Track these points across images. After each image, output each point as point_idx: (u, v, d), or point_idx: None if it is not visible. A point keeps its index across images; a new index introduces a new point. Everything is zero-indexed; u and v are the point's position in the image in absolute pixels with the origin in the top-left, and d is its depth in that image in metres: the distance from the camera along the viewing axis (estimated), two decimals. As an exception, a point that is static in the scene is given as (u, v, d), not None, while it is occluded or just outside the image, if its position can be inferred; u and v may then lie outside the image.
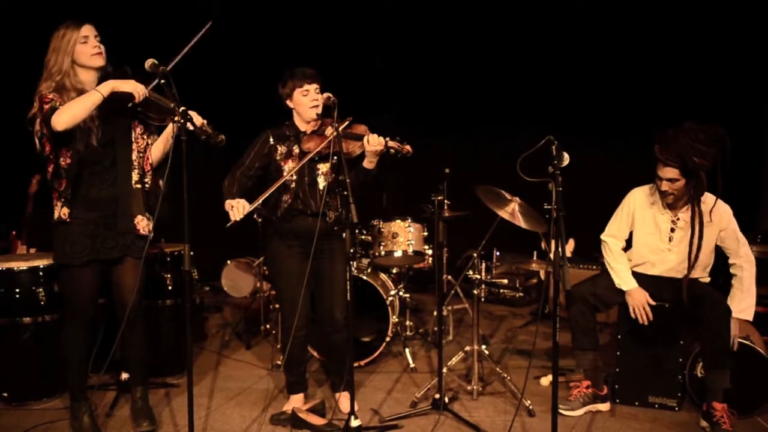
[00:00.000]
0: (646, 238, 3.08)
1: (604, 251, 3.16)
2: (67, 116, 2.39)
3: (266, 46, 5.65)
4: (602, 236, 3.19)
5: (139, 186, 2.67)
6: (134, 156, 2.67)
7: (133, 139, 2.67)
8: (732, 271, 2.99)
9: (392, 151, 2.78)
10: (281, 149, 2.87)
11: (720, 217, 2.95)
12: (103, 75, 2.58)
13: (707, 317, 2.84)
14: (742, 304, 2.90)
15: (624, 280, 3.04)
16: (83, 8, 2.75)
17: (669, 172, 2.87)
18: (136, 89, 2.47)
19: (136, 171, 2.67)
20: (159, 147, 2.76)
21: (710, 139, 2.80)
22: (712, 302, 2.88)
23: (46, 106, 2.44)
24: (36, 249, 4.05)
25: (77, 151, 2.53)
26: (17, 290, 3.06)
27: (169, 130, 2.71)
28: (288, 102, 2.91)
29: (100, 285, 2.66)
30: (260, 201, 2.69)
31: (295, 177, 2.84)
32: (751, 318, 2.92)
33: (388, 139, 2.75)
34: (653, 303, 2.98)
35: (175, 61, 2.50)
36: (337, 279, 2.92)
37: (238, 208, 2.63)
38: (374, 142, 2.72)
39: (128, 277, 2.66)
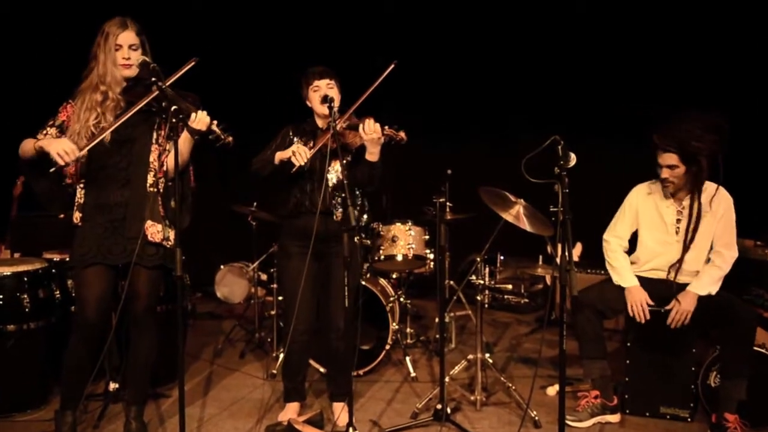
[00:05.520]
0: (653, 232, 3.12)
1: (605, 250, 3.22)
2: (20, 151, 2.54)
3: (266, 46, 5.67)
4: (605, 236, 3.24)
5: (154, 190, 2.64)
6: (152, 158, 2.64)
7: (154, 140, 2.65)
8: (712, 256, 3.01)
9: (386, 138, 2.78)
10: (297, 142, 2.93)
11: (718, 206, 2.99)
12: (134, 81, 2.61)
13: (733, 323, 2.85)
14: (711, 287, 2.94)
15: (624, 277, 3.09)
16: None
17: (668, 158, 2.95)
18: (57, 150, 2.36)
19: (152, 174, 2.64)
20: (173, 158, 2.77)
21: (708, 125, 2.89)
22: (738, 309, 2.89)
23: (49, 122, 2.59)
24: (20, 254, 4.05)
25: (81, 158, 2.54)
26: (0, 297, 3.06)
27: (183, 139, 2.66)
28: (306, 102, 3.00)
29: (107, 293, 2.62)
30: (316, 149, 2.77)
31: (306, 172, 2.88)
32: (705, 293, 2.94)
33: (386, 127, 2.76)
34: (651, 303, 3.02)
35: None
36: (339, 284, 2.93)
37: (300, 153, 2.71)
38: (370, 130, 2.72)
39: (137, 284, 2.64)
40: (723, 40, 5.13)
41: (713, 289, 2.95)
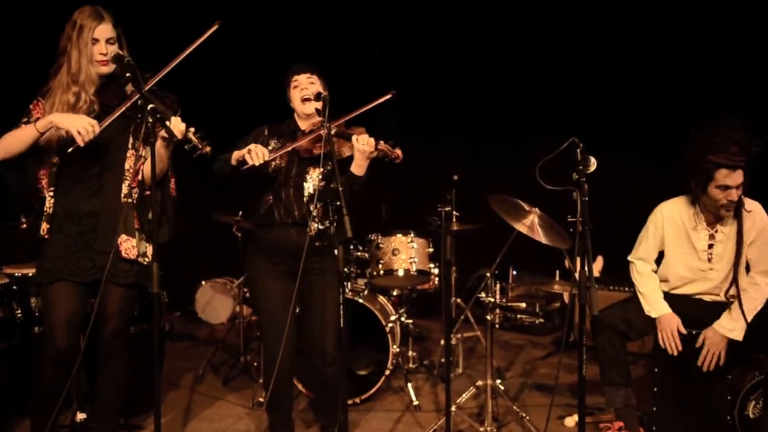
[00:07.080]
0: (684, 257, 3.08)
1: (632, 273, 3.22)
2: (1, 149, 2.47)
3: (258, 39, 5.69)
4: (630, 257, 3.25)
5: (129, 200, 2.62)
6: (128, 165, 2.62)
7: (130, 145, 2.63)
8: (744, 285, 2.95)
9: (380, 154, 2.78)
10: (273, 144, 2.90)
11: (752, 225, 2.96)
12: (108, 79, 2.59)
13: None
14: (738, 322, 2.88)
15: (654, 306, 3.06)
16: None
17: (739, 176, 2.84)
18: (78, 128, 2.37)
19: (127, 182, 2.62)
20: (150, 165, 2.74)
21: (742, 125, 2.85)
22: None
23: (23, 120, 2.53)
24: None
25: (52, 163, 2.54)
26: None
27: (159, 145, 2.61)
28: (290, 104, 2.99)
29: (78, 314, 2.59)
30: (280, 154, 2.77)
31: (281, 177, 2.85)
32: (736, 338, 2.89)
33: (381, 141, 2.76)
34: (684, 332, 2.98)
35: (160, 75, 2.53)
36: (327, 303, 2.89)
37: (257, 152, 2.66)
38: (363, 142, 2.72)
39: (108, 303, 2.60)
40: (728, 39, 5.15)
41: (743, 324, 2.88)
